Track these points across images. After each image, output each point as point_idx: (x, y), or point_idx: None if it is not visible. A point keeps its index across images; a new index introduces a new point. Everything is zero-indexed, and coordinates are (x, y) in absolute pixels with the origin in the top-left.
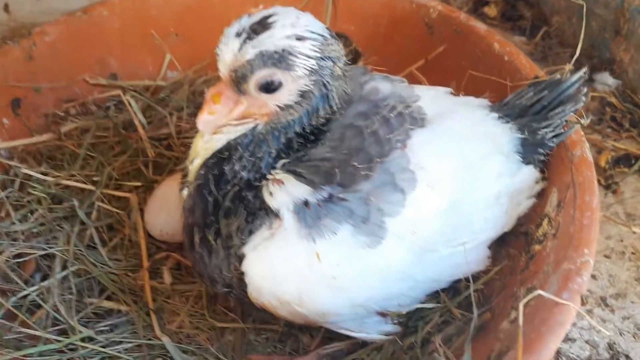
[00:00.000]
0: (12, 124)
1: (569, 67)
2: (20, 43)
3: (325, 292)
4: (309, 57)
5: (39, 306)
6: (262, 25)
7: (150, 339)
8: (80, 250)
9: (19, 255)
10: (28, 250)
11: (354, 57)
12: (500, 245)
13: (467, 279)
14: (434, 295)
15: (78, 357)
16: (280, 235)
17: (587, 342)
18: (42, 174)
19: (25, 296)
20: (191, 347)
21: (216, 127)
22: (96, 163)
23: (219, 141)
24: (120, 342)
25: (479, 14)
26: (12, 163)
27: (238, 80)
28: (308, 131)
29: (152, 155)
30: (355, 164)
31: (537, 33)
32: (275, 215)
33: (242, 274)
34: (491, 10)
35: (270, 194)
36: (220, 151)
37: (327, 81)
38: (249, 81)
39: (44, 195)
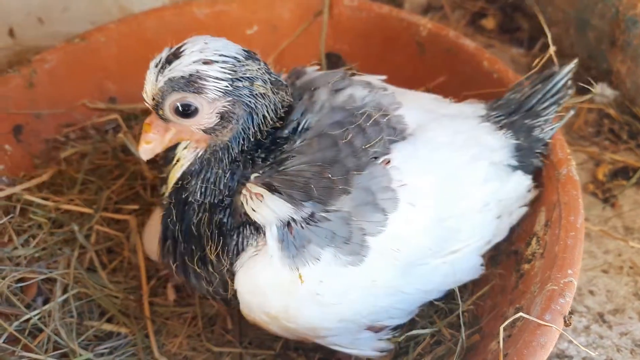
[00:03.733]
0: (14, 150)
1: (551, 49)
2: (21, 71)
3: (310, 308)
4: (218, 79)
5: (41, 330)
6: (174, 55)
7: None
8: (81, 274)
9: (21, 280)
10: (30, 274)
11: None
12: (491, 264)
13: (455, 298)
14: (427, 306)
15: None
16: (264, 255)
17: (584, 359)
18: (43, 199)
19: (27, 320)
20: None
21: (154, 153)
22: (95, 187)
23: (179, 171)
24: None
25: (476, 26)
26: (14, 189)
27: (156, 108)
28: (256, 145)
29: (150, 178)
30: (330, 175)
31: (535, 45)
32: (260, 231)
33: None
34: (489, 23)
35: (253, 209)
36: (177, 181)
37: (247, 101)
38: (163, 107)
39: (45, 220)
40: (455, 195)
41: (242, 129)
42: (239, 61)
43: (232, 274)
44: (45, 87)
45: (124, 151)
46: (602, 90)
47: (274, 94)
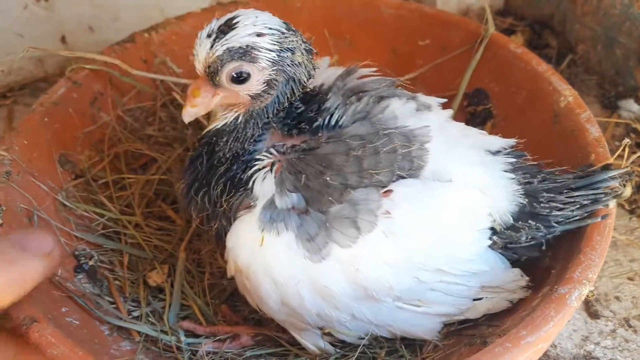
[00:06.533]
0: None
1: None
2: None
3: (263, 278)
4: (269, 50)
5: (129, 187)
6: (228, 26)
7: (174, 250)
8: (177, 167)
9: (139, 148)
10: (146, 149)
11: (484, 116)
12: None
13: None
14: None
15: (124, 233)
16: (249, 216)
17: None
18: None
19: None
20: (193, 271)
21: (197, 116)
22: None
23: (214, 125)
24: (159, 240)
25: None
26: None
27: (212, 75)
28: (286, 114)
29: None
30: (328, 179)
31: (563, 61)
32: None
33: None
34: (518, 39)
35: (255, 178)
36: (210, 135)
37: (288, 70)
38: (220, 74)
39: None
40: (440, 257)
41: (280, 94)
42: (283, 33)
43: (229, 221)
44: None
45: None
46: (629, 106)
47: (308, 61)
